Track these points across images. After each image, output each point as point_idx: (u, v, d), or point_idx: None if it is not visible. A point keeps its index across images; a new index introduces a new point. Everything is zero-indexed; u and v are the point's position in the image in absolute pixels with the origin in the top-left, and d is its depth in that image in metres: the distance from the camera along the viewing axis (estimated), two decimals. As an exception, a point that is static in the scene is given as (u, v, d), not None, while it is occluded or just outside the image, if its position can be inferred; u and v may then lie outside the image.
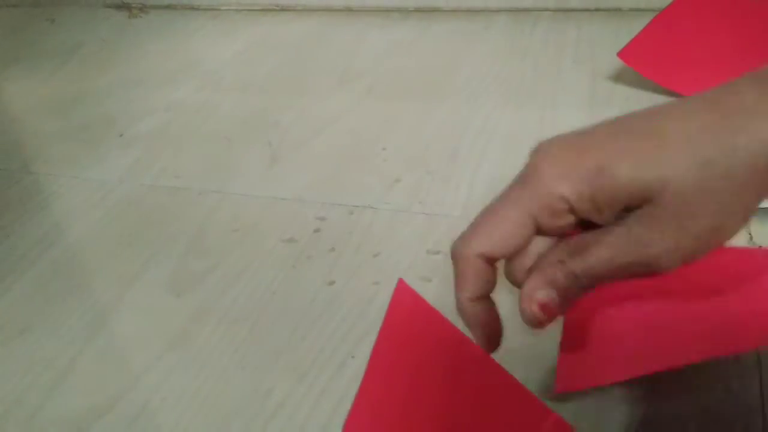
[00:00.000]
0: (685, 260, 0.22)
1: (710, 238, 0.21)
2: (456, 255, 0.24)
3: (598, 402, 0.30)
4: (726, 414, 0.29)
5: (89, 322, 0.39)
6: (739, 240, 0.36)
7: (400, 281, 0.27)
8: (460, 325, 0.25)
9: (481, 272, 0.23)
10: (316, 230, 0.43)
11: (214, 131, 0.56)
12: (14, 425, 0.34)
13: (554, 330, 0.25)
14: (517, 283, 0.24)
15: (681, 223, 0.21)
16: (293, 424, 0.31)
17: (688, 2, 0.48)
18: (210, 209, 0.47)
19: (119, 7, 0.82)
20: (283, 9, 0.75)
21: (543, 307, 0.23)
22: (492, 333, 0.24)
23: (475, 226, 0.23)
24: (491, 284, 0.24)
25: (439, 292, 0.37)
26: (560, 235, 0.23)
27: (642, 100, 0.49)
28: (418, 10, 0.69)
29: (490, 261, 0.24)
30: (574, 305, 0.23)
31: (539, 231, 0.23)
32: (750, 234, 0.37)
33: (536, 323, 0.23)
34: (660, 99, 0.49)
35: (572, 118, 0.49)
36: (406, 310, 0.27)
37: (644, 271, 0.22)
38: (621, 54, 0.49)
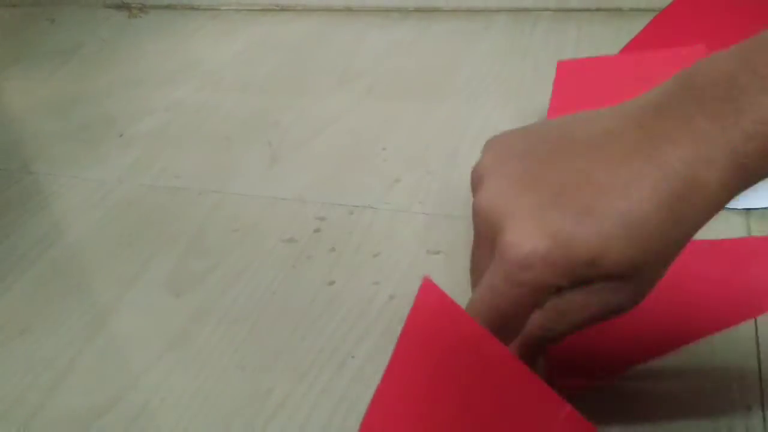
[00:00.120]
0: (645, 295, 0.23)
1: (661, 272, 0.23)
2: None
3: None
4: (726, 414, 0.29)
5: (89, 322, 0.39)
6: (738, 237, 0.36)
7: (426, 279, 0.27)
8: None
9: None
10: (316, 230, 0.43)
11: (214, 131, 0.56)
12: (14, 425, 0.34)
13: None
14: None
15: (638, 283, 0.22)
16: (293, 424, 0.31)
17: (688, 2, 0.48)
18: (210, 209, 0.47)
19: (119, 7, 0.82)
20: (283, 9, 0.75)
21: None
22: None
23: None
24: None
25: (439, 292, 0.37)
26: None
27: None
28: (418, 10, 0.69)
29: None
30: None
31: None
32: (750, 235, 0.37)
33: None
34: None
35: (572, 118, 0.49)
36: (431, 309, 0.27)
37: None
38: (622, 54, 0.49)
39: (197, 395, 0.34)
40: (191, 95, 0.62)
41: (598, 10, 0.62)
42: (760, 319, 0.32)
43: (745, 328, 0.32)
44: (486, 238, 0.23)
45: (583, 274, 0.21)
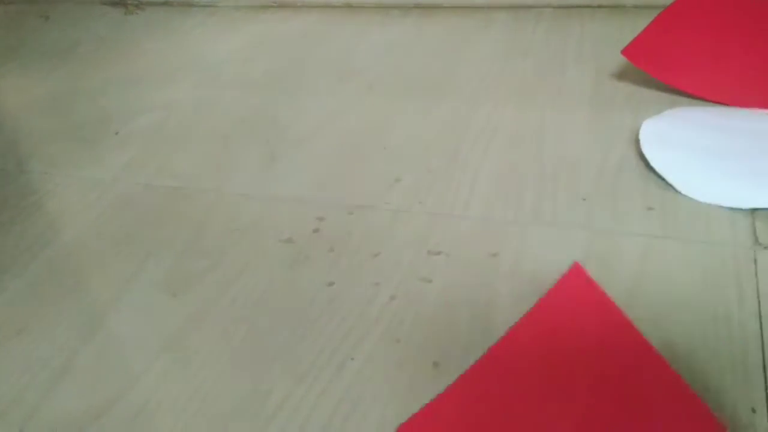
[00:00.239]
0: None
1: None
2: None
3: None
4: (731, 415, 0.28)
5: (86, 323, 0.39)
6: (744, 240, 0.36)
7: (576, 264, 0.28)
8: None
9: None
10: (315, 230, 0.42)
11: (211, 129, 0.55)
12: (11, 426, 0.33)
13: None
14: None
15: None
16: (293, 424, 0.31)
17: None
18: (207, 208, 0.46)
19: (115, 3, 0.82)
20: (282, 6, 0.74)
21: None
22: None
23: None
24: None
25: (440, 293, 0.36)
26: None
27: (645, 98, 0.49)
28: (419, 7, 0.69)
29: None
30: None
31: None
32: (756, 235, 0.37)
33: None
34: (663, 97, 0.48)
35: (575, 116, 0.49)
36: (575, 291, 0.27)
37: None
38: (625, 51, 0.49)
39: (195, 396, 0.33)
40: (188, 93, 0.61)
41: (599, 6, 0.62)
42: (766, 319, 0.32)
43: (751, 327, 0.31)
44: None
45: None
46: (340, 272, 0.39)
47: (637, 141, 0.44)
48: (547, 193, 0.42)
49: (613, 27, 0.58)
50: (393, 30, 0.66)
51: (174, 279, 0.41)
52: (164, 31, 0.74)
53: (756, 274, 0.34)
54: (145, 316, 0.39)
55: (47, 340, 0.38)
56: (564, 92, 0.52)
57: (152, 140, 0.55)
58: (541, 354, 0.28)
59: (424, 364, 0.33)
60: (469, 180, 0.44)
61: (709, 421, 0.24)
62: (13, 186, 0.52)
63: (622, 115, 0.47)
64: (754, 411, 0.28)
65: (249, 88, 0.61)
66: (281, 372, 0.34)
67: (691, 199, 0.39)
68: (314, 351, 0.34)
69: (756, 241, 0.36)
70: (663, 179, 0.41)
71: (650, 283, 0.35)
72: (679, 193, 0.40)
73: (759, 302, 0.33)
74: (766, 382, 0.29)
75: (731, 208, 0.38)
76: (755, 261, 0.35)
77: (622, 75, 0.51)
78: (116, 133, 0.57)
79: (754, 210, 0.38)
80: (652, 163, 0.41)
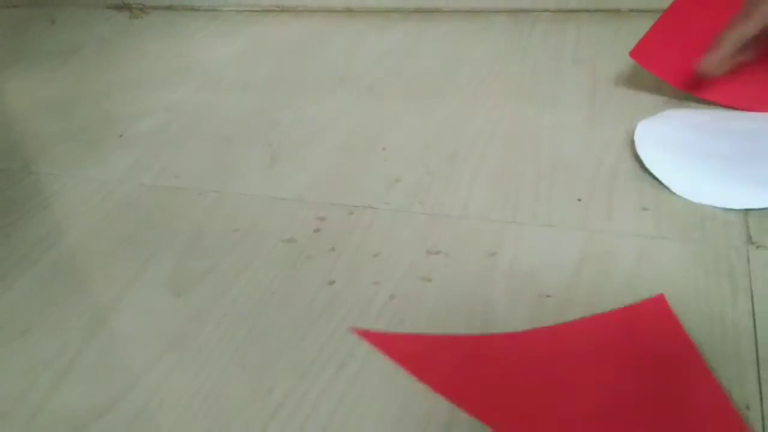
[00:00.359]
0: None
1: None
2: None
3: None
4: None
5: (89, 323, 0.39)
6: (737, 239, 0.37)
7: (661, 295, 0.30)
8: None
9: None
10: (316, 230, 0.43)
11: (214, 131, 0.56)
12: (15, 425, 0.34)
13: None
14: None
15: None
16: (293, 424, 0.31)
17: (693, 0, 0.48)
18: (210, 209, 0.47)
19: (120, 7, 0.82)
20: (284, 10, 0.75)
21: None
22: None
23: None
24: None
25: (439, 292, 0.37)
26: None
27: (640, 99, 0.49)
28: (418, 11, 0.69)
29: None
30: None
31: None
32: (749, 234, 0.37)
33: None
34: (658, 99, 0.49)
35: (572, 118, 0.49)
36: (652, 318, 0.29)
37: None
38: (633, 53, 0.49)
39: (197, 395, 0.34)
40: (191, 95, 0.62)
41: (596, 10, 0.62)
42: (759, 317, 0.32)
43: (744, 325, 0.32)
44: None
45: None
46: (341, 271, 0.39)
47: (632, 142, 0.44)
48: (544, 194, 0.42)
49: (610, 30, 0.58)
50: (393, 33, 0.66)
51: (177, 279, 0.41)
52: (168, 34, 0.75)
53: (749, 273, 0.34)
54: (149, 315, 0.39)
55: (51, 340, 0.38)
56: (561, 94, 0.52)
57: (156, 142, 0.56)
58: (594, 351, 0.29)
59: (422, 362, 0.33)
60: (467, 180, 0.45)
61: None
62: (19, 187, 0.53)
63: (618, 116, 0.48)
64: (748, 408, 0.28)
65: (251, 90, 0.61)
66: (282, 370, 0.34)
67: (685, 199, 0.40)
68: (315, 349, 0.35)
69: (749, 240, 0.37)
70: (657, 180, 0.41)
71: (645, 282, 0.35)
72: (674, 193, 0.40)
73: (752, 301, 0.33)
74: (759, 380, 0.29)
75: (724, 209, 0.38)
76: (748, 260, 0.35)
77: (618, 77, 0.52)
78: (120, 136, 0.57)
79: (747, 210, 0.38)
80: (647, 164, 0.42)
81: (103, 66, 0.70)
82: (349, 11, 0.72)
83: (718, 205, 0.38)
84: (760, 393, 0.29)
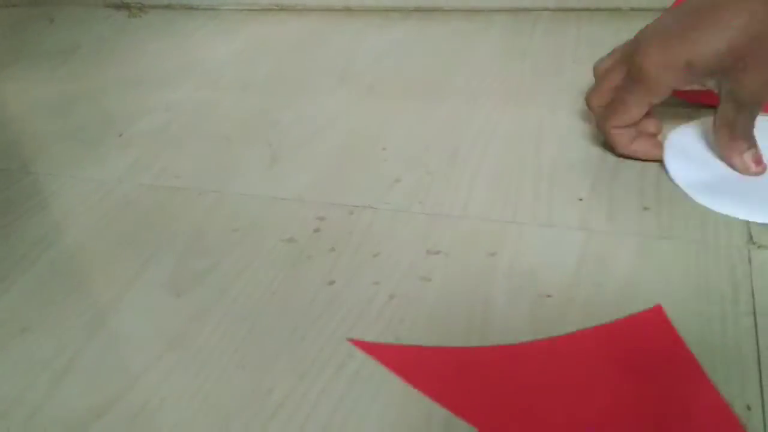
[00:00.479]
0: None
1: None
2: (600, 126, 0.43)
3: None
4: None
5: (88, 322, 0.39)
6: (738, 239, 0.36)
7: (658, 306, 0.30)
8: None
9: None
10: (316, 230, 0.43)
11: (213, 131, 0.56)
12: (13, 425, 0.34)
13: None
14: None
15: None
16: (293, 424, 0.31)
17: None
18: (209, 209, 0.47)
19: (119, 6, 0.82)
20: (283, 9, 0.75)
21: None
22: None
23: (613, 111, 0.41)
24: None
25: (439, 292, 0.37)
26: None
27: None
28: (418, 10, 0.69)
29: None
30: None
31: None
32: (750, 234, 0.37)
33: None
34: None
35: (572, 118, 0.49)
36: (650, 329, 0.29)
37: None
38: None
39: (197, 395, 0.34)
40: (191, 95, 0.62)
41: (597, 9, 0.62)
42: (760, 317, 0.32)
43: (745, 325, 0.32)
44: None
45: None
46: (341, 271, 0.39)
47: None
48: (544, 194, 0.42)
49: (610, 30, 0.58)
50: (393, 32, 0.66)
51: (177, 279, 0.41)
52: (167, 33, 0.75)
53: (750, 273, 0.34)
54: (148, 315, 0.39)
55: (50, 340, 0.38)
56: (561, 93, 0.52)
57: (155, 142, 0.56)
58: (592, 363, 0.29)
59: (422, 362, 0.33)
60: (467, 180, 0.45)
61: None
62: (17, 187, 0.53)
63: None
64: (749, 408, 0.28)
65: (250, 89, 0.61)
66: (282, 370, 0.34)
67: (686, 199, 0.40)
68: (315, 349, 0.35)
69: (750, 239, 0.37)
70: (658, 180, 0.41)
71: (645, 282, 0.35)
72: (674, 193, 0.40)
73: (753, 300, 0.33)
74: (761, 380, 0.29)
75: (726, 216, 0.38)
76: (749, 260, 0.35)
77: (619, 77, 0.52)
78: (120, 135, 0.57)
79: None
80: (669, 169, 0.41)
81: (102, 65, 0.70)
82: (348, 10, 0.72)
83: (721, 212, 0.38)
84: (761, 393, 0.29)
